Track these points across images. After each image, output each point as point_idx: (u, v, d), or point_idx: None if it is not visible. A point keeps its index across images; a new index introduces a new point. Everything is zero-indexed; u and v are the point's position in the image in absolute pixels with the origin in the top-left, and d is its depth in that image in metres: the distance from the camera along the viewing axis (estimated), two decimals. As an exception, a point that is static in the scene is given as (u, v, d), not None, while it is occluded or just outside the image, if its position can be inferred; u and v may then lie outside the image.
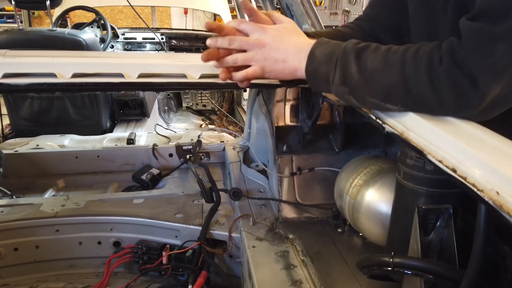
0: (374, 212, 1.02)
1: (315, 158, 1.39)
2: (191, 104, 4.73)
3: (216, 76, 0.90)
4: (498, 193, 0.54)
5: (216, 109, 4.44)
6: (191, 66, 0.94)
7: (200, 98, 4.78)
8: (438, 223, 0.83)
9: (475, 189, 0.56)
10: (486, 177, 0.57)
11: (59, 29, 2.66)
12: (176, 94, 4.66)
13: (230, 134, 2.21)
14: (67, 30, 2.54)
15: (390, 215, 0.94)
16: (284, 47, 0.82)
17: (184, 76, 0.94)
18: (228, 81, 0.87)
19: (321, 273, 1.02)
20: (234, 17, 3.96)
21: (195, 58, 0.93)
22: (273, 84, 0.94)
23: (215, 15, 5.47)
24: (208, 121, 4.41)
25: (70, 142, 2.19)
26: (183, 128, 3.66)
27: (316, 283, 0.99)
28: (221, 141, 1.99)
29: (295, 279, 1.01)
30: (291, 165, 1.38)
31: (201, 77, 0.94)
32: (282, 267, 1.06)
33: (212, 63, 0.87)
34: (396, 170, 1.05)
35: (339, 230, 1.22)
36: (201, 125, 4.14)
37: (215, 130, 2.45)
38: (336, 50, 0.78)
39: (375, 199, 1.02)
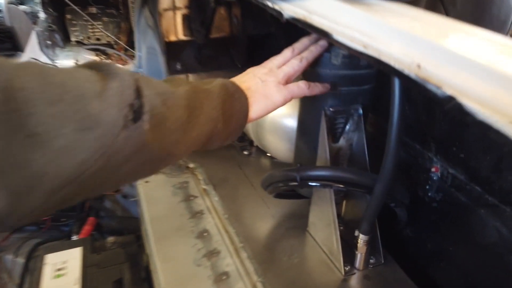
0: (279, 126, 0.89)
1: (216, 76, 1.18)
2: (82, 38, 4.12)
3: None
4: (419, 66, 0.42)
5: (113, 42, 3.93)
6: None
7: (91, 30, 4.17)
8: (348, 127, 0.73)
9: (394, 66, 0.43)
10: (405, 50, 0.45)
11: None
12: (61, 25, 3.99)
13: (120, 60, 1.91)
14: None
15: (296, 126, 0.81)
16: None
17: None
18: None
19: (225, 200, 0.89)
20: None
21: None
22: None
23: None
24: (104, 57, 3.91)
25: None
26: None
27: (219, 211, 0.86)
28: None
29: (195, 211, 0.87)
30: (187, 86, 1.18)
31: None
32: (181, 200, 0.91)
33: None
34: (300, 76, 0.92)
35: (245, 152, 1.09)
36: (95, 62, 3.64)
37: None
38: None
39: (279, 111, 0.88)
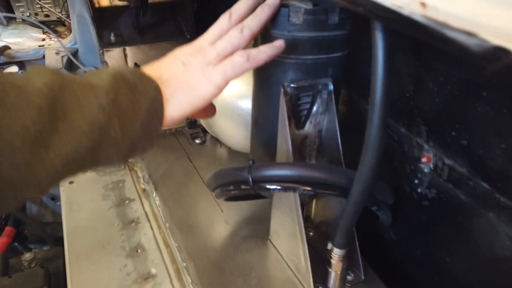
0: (233, 107, 0.72)
1: (159, 48, 1.01)
2: (28, 14, 3.73)
3: None
4: (424, 4, 0.24)
5: (63, 19, 3.58)
6: None
7: (39, 6, 3.79)
8: (315, 108, 0.56)
9: (392, 8, 0.26)
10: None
11: None
12: (4, 0, 3.58)
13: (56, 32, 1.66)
14: None
15: (251, 109, 0.64)
16: None
17: None
18: None
19: (168, 203, 0.71)
20: None
21: None
22: None
23: None
24: (54, 35, 3.55)
25: None
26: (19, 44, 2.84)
27: (160, 217, 0.69)
28: (40, 46, 1.45)
29: (128, 219, 0.69)
30: (125, 62, 0.98)
31: None
32: (112, 205, 0.72)
33: None
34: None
35: (197, 141, 0.91)
36: (43, 39, 3.30)
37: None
38: None
39: (232, 89, 0.71)
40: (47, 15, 4.20)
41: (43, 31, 3.66)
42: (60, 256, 0.80)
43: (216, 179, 0.55)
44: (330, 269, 0.54)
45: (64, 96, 0.33)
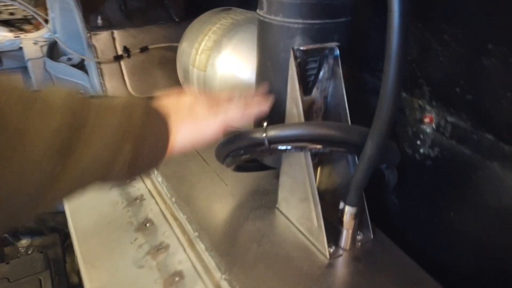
0: (233, 81, 0.72)
1: (148, 32, 0.99)
2: (-8, 13, 3.57)
3: None
4: None
5: (30, 17, 3.45)
6: None
7: (3, 3, 3.63)
8: (321, 74, 0.57)
9: None
10: None
11: None
12: (-36, -1, 3.41)
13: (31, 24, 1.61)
14: None
15: (255, 79, 0.64)
16: None
17: None
18: None
19: (171, 180, 0.71)
20: None
21: None
22: None
23: None
24: (21, 33, 3.42)
25: None
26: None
27: (164, 194, 0.68)
28: (16, 36, 1.39)
29: (132, 197, 0.68)
30: (113, 46, 0.96)
31: None
32: (112, 185, 0.71)
33: None
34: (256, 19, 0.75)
35: (192, 122, 0.90)
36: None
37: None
38: None
39: (232, 62, 0.71)
40: (11, 13, 4.03)
41: (9, 29, 3.52)
42: (57, 242, 0.78)
43: (227, 145, 0.55)
44: (342, 228, 0.56)
45: (83, 114, 0.34)
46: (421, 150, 0.59)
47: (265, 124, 0.51)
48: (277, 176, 0.72)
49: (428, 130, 0.58)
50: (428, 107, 0.57)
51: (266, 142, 0.50)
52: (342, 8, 0.54)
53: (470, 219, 0.55)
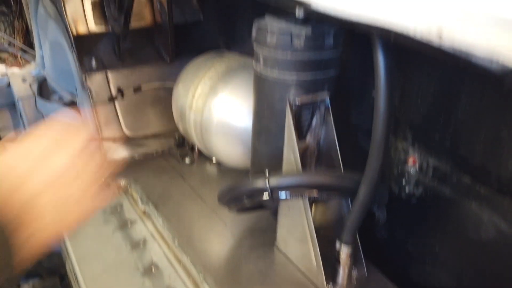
0: (230, 126, 0.76)
1: (140, 73, 1.03)
2: (-33, 42, 3.52)
3: None
4: (440, 33, 0.31)
5: (6, 45, 3.42)
6: None
7: (-20, 33, 3.58)
8: (314, 121, 0.63)
9: (413, 35, 0.32)
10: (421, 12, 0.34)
11: None
12: None
13: (17, 64, 1.61)
14: None
15: (252, 125, 0.69)
16: None
17: None
18: None
19: (172, 221, 0.73)
20: None
21: None
22: None
23: None
24: (-2, 62, 3.38)
25: None
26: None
27: (167, 236, 0.71)
28: (2, 75, 1.39)
29: (135, 240, 0.70)
30: (107, 87, 0.99)
31: None
32: (115, 228, 0.73)
33: None
34: (249, 65, 0.80)
35: (187, 160, 0.94)
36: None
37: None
38: None
39: (228, 107, 0.75)
40: (-14, 44, 3.95)
41: (-14, 59, 3.45)
42: (58, 285, 0.78)
43: (231, 191, 0.59)
44: (339, 267, 0.60)
45: None
46: (407, 189, 0.65)
47: (266, 171, 0.55)
48: (273, 213, 0.76)
49: (412, 171, 0.63)
50: (411, 150, 0.63)
51: (269, 190, 0.54)
52: (331, 62, 0.60)
53: (452, 252, 0.60)
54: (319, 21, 0.56)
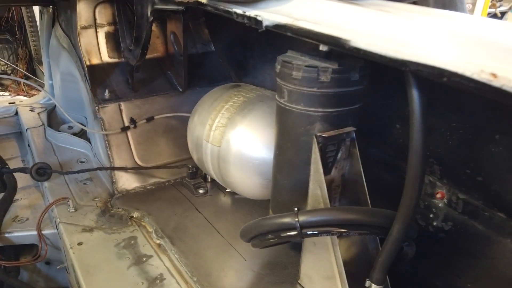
0: (249, 157, 0.75)
1: (153, 102, 1.02)
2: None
3: None
4: (495, 75, 0.31)
5: (10, 72, 3.44)
6: None
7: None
8: (339, 155, 0.61)
9: (462, 74, 0.32)
10: (464, 54, 0.34)
11: None
12: None
13: (21, 91, 1.61)
14: None
15: (273, 157, 0.68)
16: None
17: None
18: None
19: (189, 256, 0.71)
20: None
21: None
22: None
23: None
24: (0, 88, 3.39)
25: None
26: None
27: (184, 272, 0.68)
28: (10, 103, 1.39)
29: (152, 276, 0.67)
30: (120, 117, 0.98)
31: None
32: (130, 264, 0.70)
33: None
34: (266, 97, 0.80)
35: (201, 191, 0.92)
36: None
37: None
38: None
39: (248, 139, 0.74)
40: (-9, 71, 3.97)
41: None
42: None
43: (256, 228, 0.57)
44: (369, 306, 0.57)
45: None
46: (434, 223, 0.63)
47: (296, 209, 0.53)
48: (293, 248, 0.74)
49: (440, 204, 0.62)
50: (438, 184, 0.62)
51: (298, 227, 0.52)
52: (355, 96, 0.60)
53: (487, 290, 0.58)
54: (342, 56, 0.56)
